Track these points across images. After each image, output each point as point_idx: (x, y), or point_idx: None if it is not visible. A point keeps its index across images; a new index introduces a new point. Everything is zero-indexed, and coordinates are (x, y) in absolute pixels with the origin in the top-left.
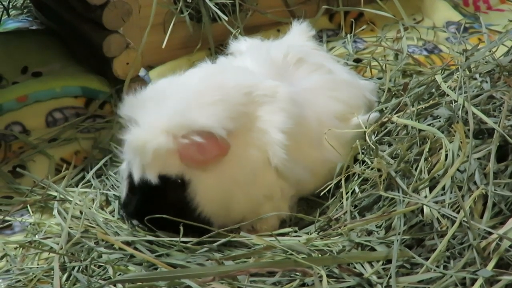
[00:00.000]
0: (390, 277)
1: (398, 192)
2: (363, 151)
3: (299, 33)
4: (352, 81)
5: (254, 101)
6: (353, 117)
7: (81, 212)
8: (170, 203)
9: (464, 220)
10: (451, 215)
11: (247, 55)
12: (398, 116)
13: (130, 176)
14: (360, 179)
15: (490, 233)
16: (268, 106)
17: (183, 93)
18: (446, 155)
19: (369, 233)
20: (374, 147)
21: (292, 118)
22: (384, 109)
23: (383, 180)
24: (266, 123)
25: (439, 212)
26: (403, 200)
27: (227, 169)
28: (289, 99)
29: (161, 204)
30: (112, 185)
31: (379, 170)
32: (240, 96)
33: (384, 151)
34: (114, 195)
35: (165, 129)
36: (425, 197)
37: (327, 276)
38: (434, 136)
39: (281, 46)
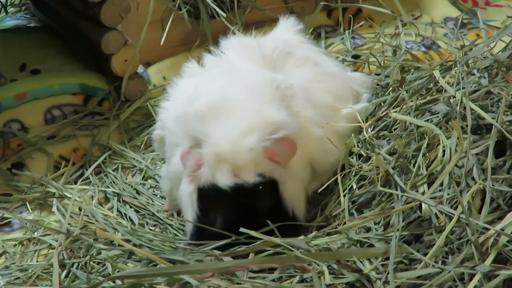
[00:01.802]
0: (388, 273)
1: (396, 189)
2: (358, 143)
3: (286, 28)
4: (339, 72)
5: (285, 95)
6: (342, 108)
7: (80, 209)
8: (268, 205)
9: (462, 216)
10: (449, 212)
11: (237, 51)
12: (395, 111)
13: (205, 190)
14: (358, 175)
15: (488, 229)
16: (297, 100)
17: (238, 96)
18: (444, 151)
19: (368, 229)
20: (372, 144)
21: (315, 108)
22: (382, 103)
23: (381, 177)
24: (303, 119)
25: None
26: (401, 197)
27: (293, 166)
28: (304, 90)
29: (260, 206)
30: (112, 182)
31: (377, 167)
32: (276, 92)
33: (381, 146)
34: (113, 192)
35: (254, 128)
36: (423, 193)
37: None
38: (432, 132)
39: (269, 41)
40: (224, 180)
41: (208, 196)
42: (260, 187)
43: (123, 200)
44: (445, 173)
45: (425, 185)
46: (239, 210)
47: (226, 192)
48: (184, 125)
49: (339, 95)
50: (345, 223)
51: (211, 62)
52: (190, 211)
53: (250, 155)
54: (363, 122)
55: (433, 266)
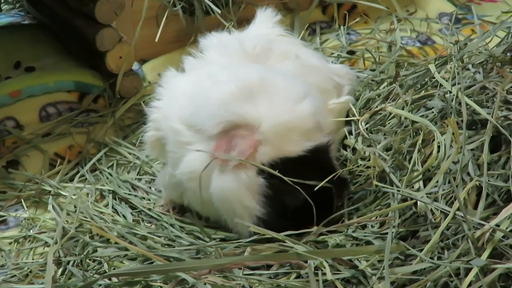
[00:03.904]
0: (381, 270)
1: (392, 185)
2: (351, 136)
3: (264, 21)
4: (320, 65)
5: None
6: (327, 101)
7: (75, 207)
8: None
9: (458, 212)
10: (445, 210)
11: (219, 50)
12: (391, 105)
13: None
14: (354, 172)
15: (484, 224)
16: None
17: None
18: (439, 147)
19: (364, 226)
20: (367, 138)
21: None
22: (377, 96)
23: (377, 173)
24: None
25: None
26: (398, 194)
27: None
28: None
29: (335, 165)
30: (107, 179)
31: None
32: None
33: (376, 141)
34: (108, 190)
35: (305, 95)
36: (418, 189)
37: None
38: (427, 128)
39: (249, 37)
40: (298, 147)
41: (276, 176)
42: (330, 145)
43: (118, 198)
44: (441, 172)
45: (421, 181)
46: (322, 173)
47: (301, 160)
48: (210, 115)
49: (323, 88)
50: (343, 221)
51: (193, 64)
52: (245, 205)
53: (314, 118)
54: (356, 115)
55: (428, 261)
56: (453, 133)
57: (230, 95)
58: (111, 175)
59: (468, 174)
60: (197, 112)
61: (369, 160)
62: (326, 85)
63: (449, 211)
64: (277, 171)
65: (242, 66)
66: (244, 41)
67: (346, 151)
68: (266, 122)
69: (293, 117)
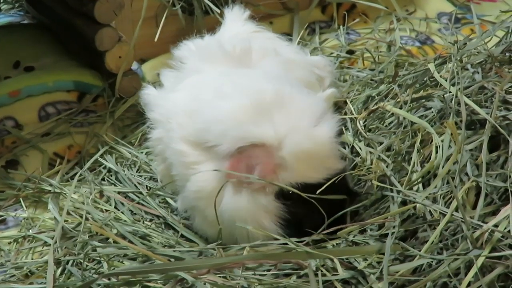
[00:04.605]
0: (380, 268)
1: (392, 189)
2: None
3: (234, 20)
4: (300, 59)
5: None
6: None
7: (75, 206)
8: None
9: (456, 212)
10: (443, 211)
11: (199, 57)
12: (390, 104)
13: (289, 195)
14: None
15: (482, 224)
16: None
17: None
18: (437, 148)
19: (363, 230)
20: (366, 138)
21: None
22: (376, 95)
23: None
24: None
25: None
26: (397, 197)
27: None
28: None
29: (352, 190)
30: (104, 177)
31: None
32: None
33: (373, 140)
34: (108, 187)
35: (320, 116)
36: (417, 190)
37: (322, 267)
38: (425, 130)
39: (225, 39)
40: (318, 174)
41: (295, 199)
42: (347, 171)
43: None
44: (441, 175)
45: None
46: (339, 201)
47: (321, 187)
48: (224, 133)
49: (307, 82)
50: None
51: (174, 76)
52: (262, 227)
53: (331, 144)
54: (354, 113)
55: (428, 257)
56: (451, 134)
57: (245, 112)
58: (109, 172)
59: (466, 174)
60: (207, 129)
61: (371, 163)
62: (310, 78)
63: (447, 212)
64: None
65: (245, 74)
66: (222, 43)
67: (345, 148)
68: (287, 147)
69: (314, 144)
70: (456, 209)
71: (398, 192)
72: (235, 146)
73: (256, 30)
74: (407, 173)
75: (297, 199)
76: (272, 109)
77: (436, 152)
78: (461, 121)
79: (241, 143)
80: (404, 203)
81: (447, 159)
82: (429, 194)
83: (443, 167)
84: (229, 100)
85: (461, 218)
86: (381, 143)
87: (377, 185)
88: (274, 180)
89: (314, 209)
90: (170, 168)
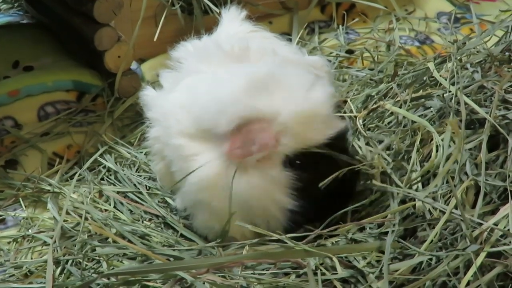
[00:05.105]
0: (380, 266)
1: (391, 185)
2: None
3: (231, 20)
4: (297, 58)
5: None
6: None
7: (74, 206)
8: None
9: (456, 213)
10: (443, 208)
11: (198, 58)
12: (389, 103)
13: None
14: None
15: (482, 223)
16: None
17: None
18: (437, 147)
19: (362, 229)
20: (366, 136)
21: None
22: (375, 94)
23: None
24: None
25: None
26: (398, 195)
27: None
28: None
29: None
30: (103, 177)
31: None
32: None
33: (373, 138)
34: (108, 187)
35: (314, 82)
36: (417, 189)
37: (321, 265)
38: (425, 128)
39: (223, 39)
40: (322, 135)
41: (303, 163)
42: (349, 130)
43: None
44: (441, 174)
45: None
46: (347, 159)
47: (325, 148)
48: (221, 112)
49: None
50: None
51: (173, 77)
52: (275, 200)
53: (328, 104)
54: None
55: (427, 254)
56: (453, 132)
57: (241, 90)
58: (109, 171)
59: (466, 173)
60: (204, 114)
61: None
62: None
63: (445, 209)
64: (300, 162)
65: (239, 66)
66: (220, 43)
67: None
68: (285, 112)
69: (311, 105)
70: (456, 207)
71: (399, 189)
72: (233, 124)
73: (253, 30)
74: (406, 172)
75: (305, 163)
76: (266, 85)
77: (437, 151)
78: (460, 121)
79: (238, 120)
80: (403, 202)
81: (447, 158)
82: (429, 193)
83: (443, 166)
84: (224, 85)
85: (459, 215)
86: (380, 142)
87: (376, 183)
88: (277, 147)
89: (324, 171)
90: (169, 165)
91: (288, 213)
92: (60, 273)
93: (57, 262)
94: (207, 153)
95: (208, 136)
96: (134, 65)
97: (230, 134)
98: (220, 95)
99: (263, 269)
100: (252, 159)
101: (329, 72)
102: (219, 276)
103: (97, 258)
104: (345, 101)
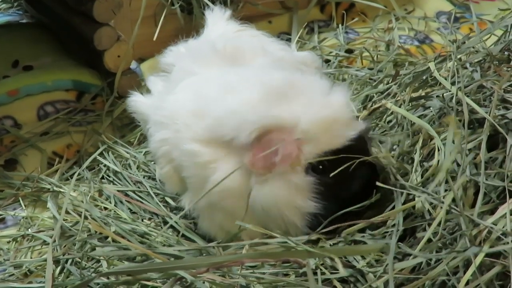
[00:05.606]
0: (384, 266)
1: (395, 186)
2: None
3: (216, 21)
4: (288, 55)
5: None
6: None
7: (74, 205)
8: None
9: (455, 209)
10: (441, 202)
11: (191, 59)
12: (391, 102)
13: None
14: None
15: (481, 222)
16: None
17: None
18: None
19: (362, 230)
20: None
21: None
22: (375, 95)
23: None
24: None
25: (430, 204)
26: (401, 194)
27: None
28: None
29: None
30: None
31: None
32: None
33: (378, 140)
34: (108, 186)
35: (332, 86)
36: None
37: (321, 265)
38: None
39: (214, 39)
40: (343, 138)
41: (326, 169)
42: (370, 130)
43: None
44: (441, 174)
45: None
46: (366, 163)
47: (347, 150)
48: (241, 123)
49: None
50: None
51: (162, 81)
52: (296, 206)
53: (348, 108)
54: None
55: (426, 252)
56: (454, 131)
57: (258, 99)
58: (108, 169)
59: (465, 172)
60: (220, 124)
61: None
62: None
63: (445, 205)
64: (322, 167)
65: (245, 69)
66: (212, 43)
67: None
68: (305, 119)
69: (332, 110)
70: (453, 200)
71: (403, 187)
72: (253, 135)
73: (239, 29)
74: (406, 173)
75: (328, 169)
76: (284, 93)
77: (438, 150)
78: (460, 120)
79: (258, 130)
80: (403, 203)
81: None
82: (430, 192)
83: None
84: (238, 92)
85: (457, 210)
86: (381, 142)
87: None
88: (300, 156)
89: (347, 175)
90: (178, 169)
91: (308, 218)
92: (60, 272)
93: (56, 261)
94: (225, 161)
95: (224, 144)
96: (133, 65)
97: (250, 145)
98: (237, 106)
99: (263, 269)
100: (276, 170)
101: (319, 68)
102: (219, 275)
103: (96, 257)
104: None
